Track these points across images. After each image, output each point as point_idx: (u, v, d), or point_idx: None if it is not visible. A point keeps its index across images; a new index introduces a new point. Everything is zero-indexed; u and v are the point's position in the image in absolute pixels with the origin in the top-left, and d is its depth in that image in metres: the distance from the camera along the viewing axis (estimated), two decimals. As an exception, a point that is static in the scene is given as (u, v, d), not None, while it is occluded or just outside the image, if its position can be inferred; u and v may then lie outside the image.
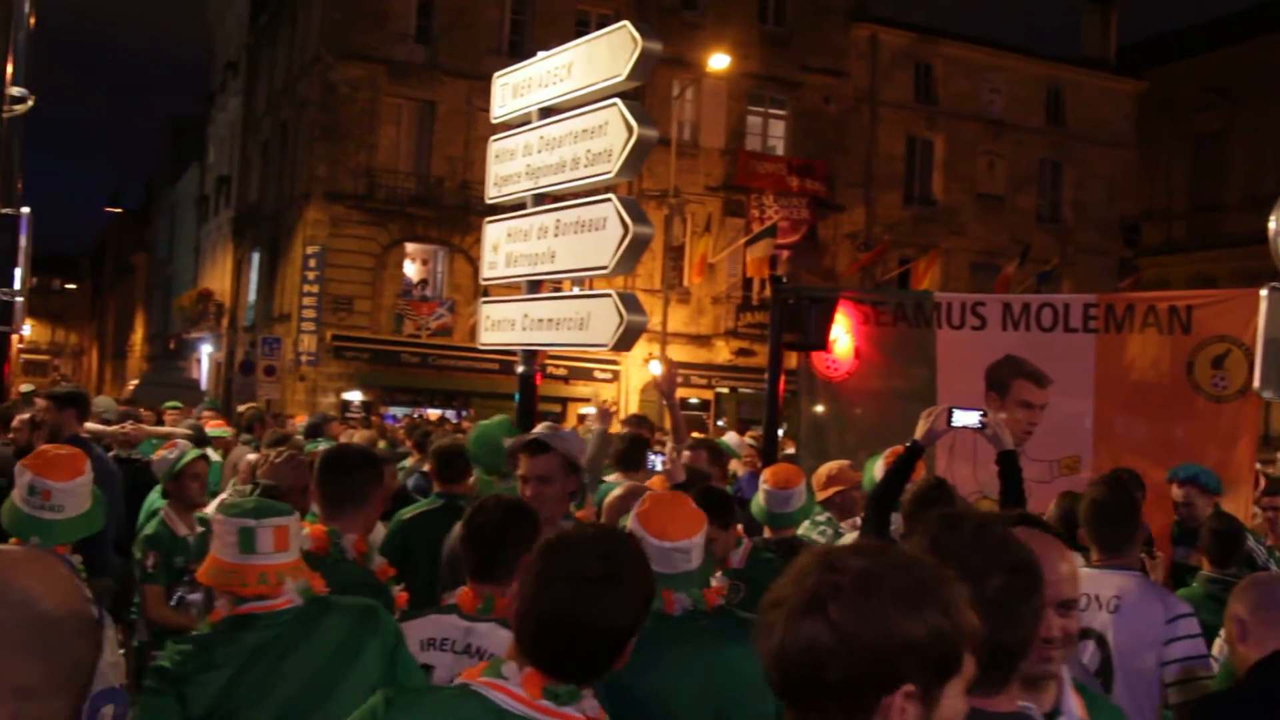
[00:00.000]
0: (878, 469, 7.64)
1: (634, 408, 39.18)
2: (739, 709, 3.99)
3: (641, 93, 8.59)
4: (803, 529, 7.51)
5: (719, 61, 37.78)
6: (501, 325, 9.80)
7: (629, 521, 4.29)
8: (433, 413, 34.81)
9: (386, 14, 38.93)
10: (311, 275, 37.98)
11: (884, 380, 10.50)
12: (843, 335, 10.29)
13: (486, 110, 10.45)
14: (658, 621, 4.16)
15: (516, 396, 9.72)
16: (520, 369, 9.49)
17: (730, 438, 14.43)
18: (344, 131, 38.48)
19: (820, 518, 7.81)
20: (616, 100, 8.48)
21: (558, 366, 37.20)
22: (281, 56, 46.55)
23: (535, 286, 9.51)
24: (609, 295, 8.38)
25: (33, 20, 12.20)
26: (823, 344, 10.02)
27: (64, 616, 1.81)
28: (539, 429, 6.01)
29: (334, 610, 3.97)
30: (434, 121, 39.34)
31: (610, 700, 4.13)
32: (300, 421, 18.46)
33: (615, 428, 11.57)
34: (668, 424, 10.17)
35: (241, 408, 20.17)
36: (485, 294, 11.42)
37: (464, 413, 35.10)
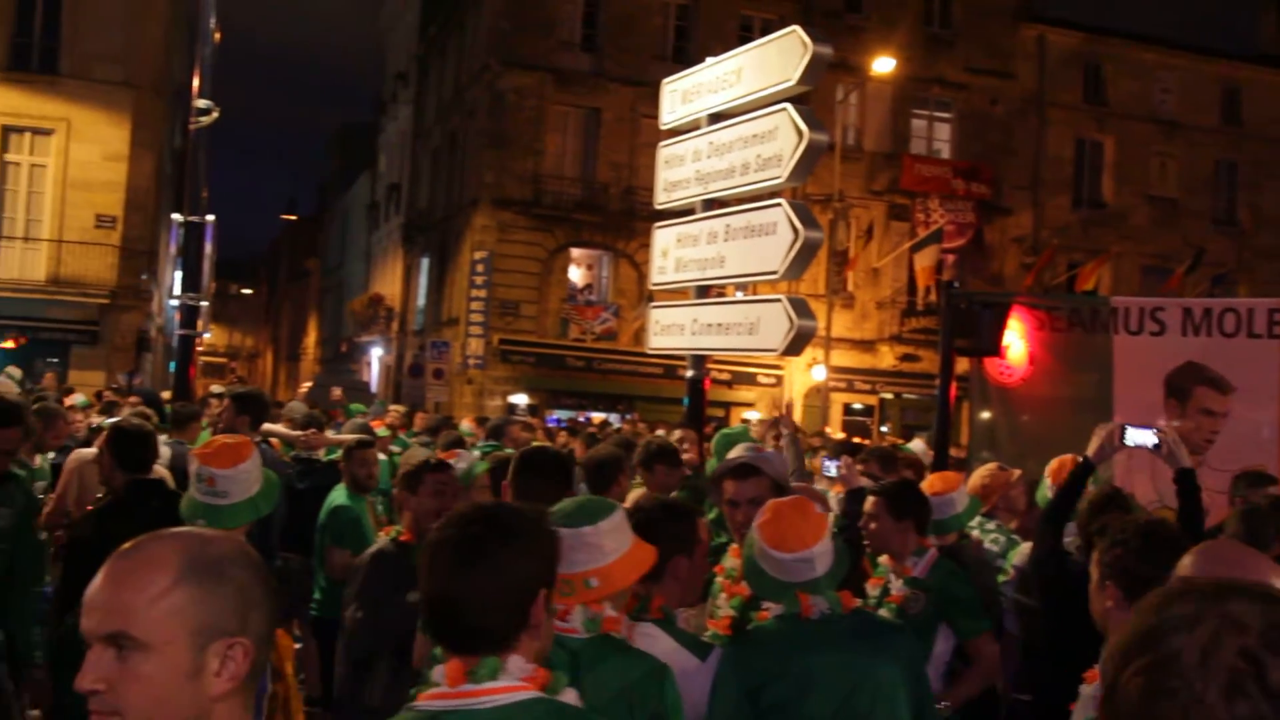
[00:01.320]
0: (1047, 483, 7.56)
1: (797, 413, 39.06)
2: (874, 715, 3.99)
3: (806, 97, 8.55)
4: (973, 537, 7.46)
5: (883, 65, 37.49)
6: (670, 330, 9.86)
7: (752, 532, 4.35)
8: (597, 416, 35.04)
9: (553, 23, 39.36)
10: (479, 280, 38.51)
11: (1057, 387, 10.31)
12: (1016, 341, 10.12)
13: (651, 116, 10.53)
14: (796, 624, 4.25)
15: (685, 401, 9.77)
16: (689, 374, 9.54)
17: (916, 445, 14.25)
18: (511, 139, 38.97)
19: (990, 525, 7.73)
20: (786, 105, 8.49)
21: (721, 371, 37.21)
22: (450, 66, 47.32)
23: (704, 291, 9.55)
24: (779, 300, 8.39)
25: (217, 36, 12.62)
26: (995, 349, 9.87)
27: (273, 580, 2.21)
28: (739, 450, 5.93)
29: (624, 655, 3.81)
30: (599, 128, 39.65)
31: (750, 701, 4.17)
32: (468, 424, 18.74)
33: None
34: (828, 431, 10.12)
35: (419, 416, 20.54)
36: (650, 299, 11.47)
37: (627, 416, 35.28)
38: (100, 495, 7.40)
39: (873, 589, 6.10)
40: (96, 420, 13.64)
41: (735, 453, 5.79)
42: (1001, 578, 7.09)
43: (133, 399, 14.60)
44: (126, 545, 2.13)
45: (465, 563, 2.80)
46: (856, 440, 25.32)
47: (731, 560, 5.58)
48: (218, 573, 2.08)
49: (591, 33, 40.02)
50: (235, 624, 2.07)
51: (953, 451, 12.61)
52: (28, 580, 6.57)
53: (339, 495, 9.05)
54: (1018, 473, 8.22)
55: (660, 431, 14.97)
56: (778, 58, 8.73)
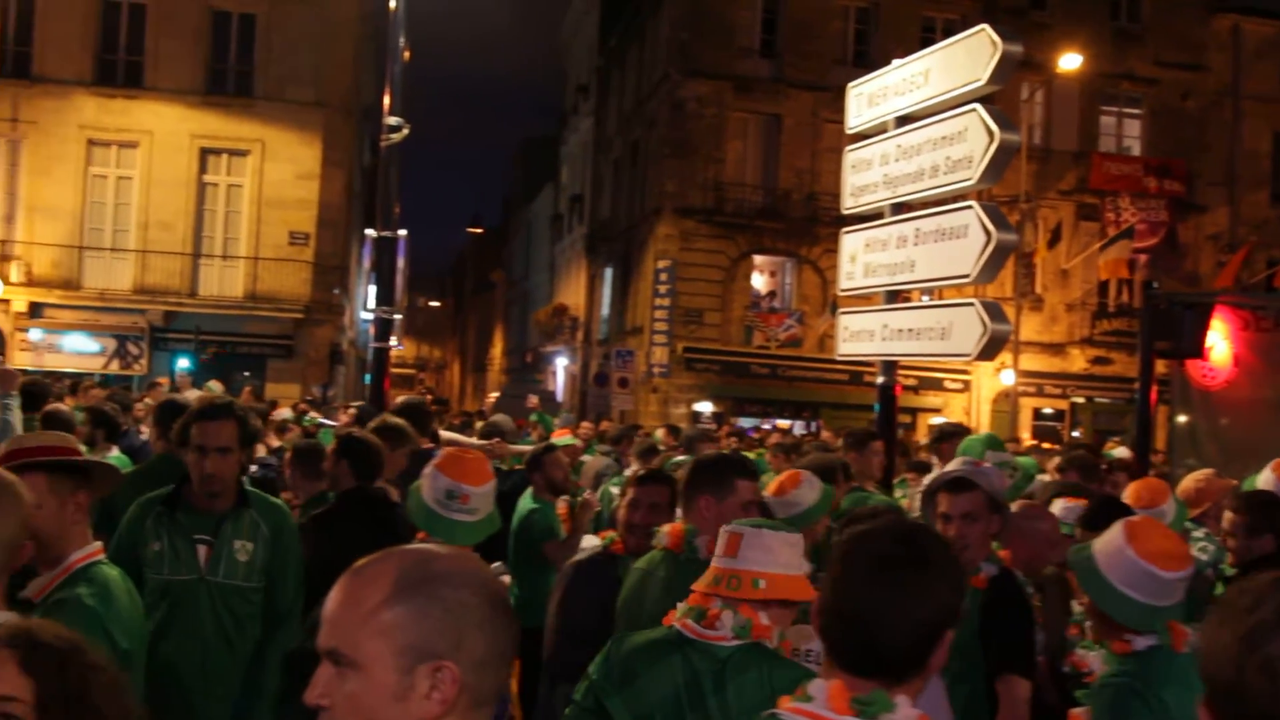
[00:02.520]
0: (1263, 482, 7.24)
1: (984, 419, 38.44)
2: None
3: (991, 97, 8.41)
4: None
5: (1070, 61, 36.68)
6: (860, 336, 9.76)
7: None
8: (782, 423, 34.91)
9: (732, 31, 39.38)
10: (663, 289, 38.67)
11: (1262, 389, 9.98)
12: (1220, 342, 9.79)
13: (833, 121, 10.48)
14: (1168, 660, 3.89)
15: (876, 407, 9.67)
16: (880, 380, 9.44)
17: (1122, 452, 13.88)
18: (692, 147, 39.07)
19: (1198, 534, 7.44)
20: (976, 105, 8.36)
21: (907, 376, 36.75)
22: (630, 77, 47.62)
23: (894, 296, 9.44)
24: (971, 304, 8.26)
25: (407, 55, 12.86)
26: (1198, 351, 9.55)
27: (502, 601, 2.14)
28: (955, 463, 5.78)
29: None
30: (780, 134, 39.53)
31: None
32: (661, 433, 18.79)
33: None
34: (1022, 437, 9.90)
35: (604, 424, 20.71)
36: (834, 305, 11.37)
37: (813, 424, 35.08)
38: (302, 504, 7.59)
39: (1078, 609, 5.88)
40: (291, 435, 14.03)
41: (950, 465, 5.64)
42: (1220, 588, 6.78)
43: (350, 409, 14.95)
44: (360, 561, 2.15)
45: (885, 581, 2.63)
46: (1046, 445, 24.84)
47: None
48: (429, 592, 2.05)
49: (771, 39, 39.94)
50: (444, 646, 2.03)
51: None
52: (283, 620, 5.73)
53: (527, 501, 9.17)
54: (1234, 482, 7.88)
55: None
56: (966, 58, 8.60)
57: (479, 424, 16.57)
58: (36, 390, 9.81)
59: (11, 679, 2.37)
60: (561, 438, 14.04)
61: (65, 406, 9.19)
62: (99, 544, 4.43)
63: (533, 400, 29.03)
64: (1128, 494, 6.98)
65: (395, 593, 2.04)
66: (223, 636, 5.56)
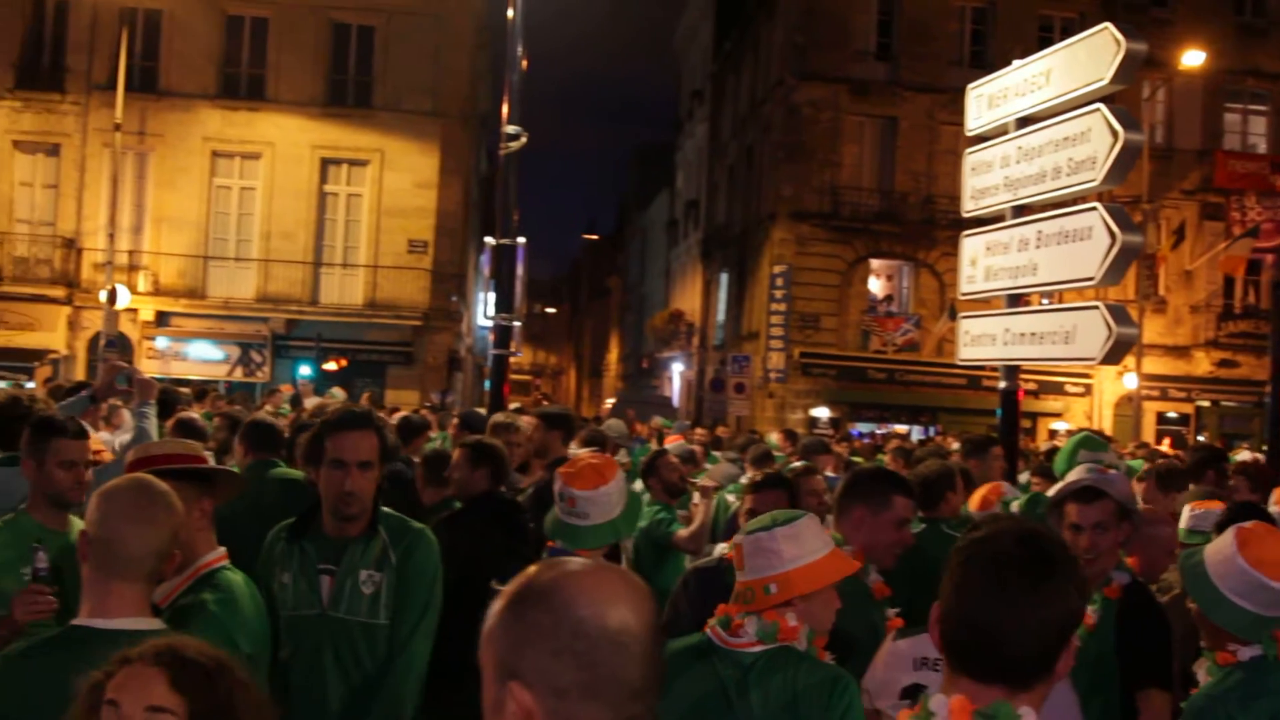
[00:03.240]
0: None
1: (1107, 423, 37.80)
2: None
3: (1113, 96, 8.28)
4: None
5: (1193, 58, 35.95)
6: (981, 340, 9.64)
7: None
8: (899, 428, 34.64)
9: (847, 34, 39.16)
10: (779, 294, 38.56)
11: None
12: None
13: (949, 124, 10.38)
14: (1269, 671, 3.81)
15: (997, 412, 9.54)
16: (1002, 385, 9.32)
17: (1244, 456, 13.56)
18: (808, 152, 38.92)
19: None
20: (1099, 105, 8.24)
21: (1027, 380, 36.15)
22: (745, 82, 47.58)
23: (1015, 300, 9.32)
24: (1096, 307, 8.13)
25: (525, 63, 12.95)
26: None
27: (600, 632, 1.95)
28: (1080, 472, 5.65)
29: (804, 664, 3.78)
30: (896, 137, 39.24)
31: None
32: (776, 437, 18.73)
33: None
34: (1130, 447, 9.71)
35: (719, 429, 20.68)
36: (952, 308, 11.25)
37: (931, 429, 34.76)
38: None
39: None
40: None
41: (1075, 474, 5.51)
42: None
43: (454, 419, 15.07)
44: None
45: (1009, 585, 2.56)
46: (1167, 449, 24.36)
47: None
48: (520, 609, 1.98)
49: (886, 41, 39.66)
50: (522, 666, 1.95)
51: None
52: (402, 648, 4.98)
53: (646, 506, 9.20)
54: None
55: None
56: (1088, 57, 8.46)
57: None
58: (166, 398, 10.01)
59: (163, 695, 2.43)
60: (674, 444, 14.05)
61: (195, 414, 9.36)
62: (223, 549, 4.51)
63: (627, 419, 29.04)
64: (1276, 497, 6.84)
65: (506, 604, 2.01)
66: (344, 680, 4.88)
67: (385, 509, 5.05)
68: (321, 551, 4.93)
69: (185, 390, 15.18)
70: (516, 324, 12.31)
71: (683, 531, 8.90)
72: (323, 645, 4.84)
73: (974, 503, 6.38)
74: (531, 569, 2.06)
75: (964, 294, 10.05)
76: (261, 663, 4.40)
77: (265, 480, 7.46)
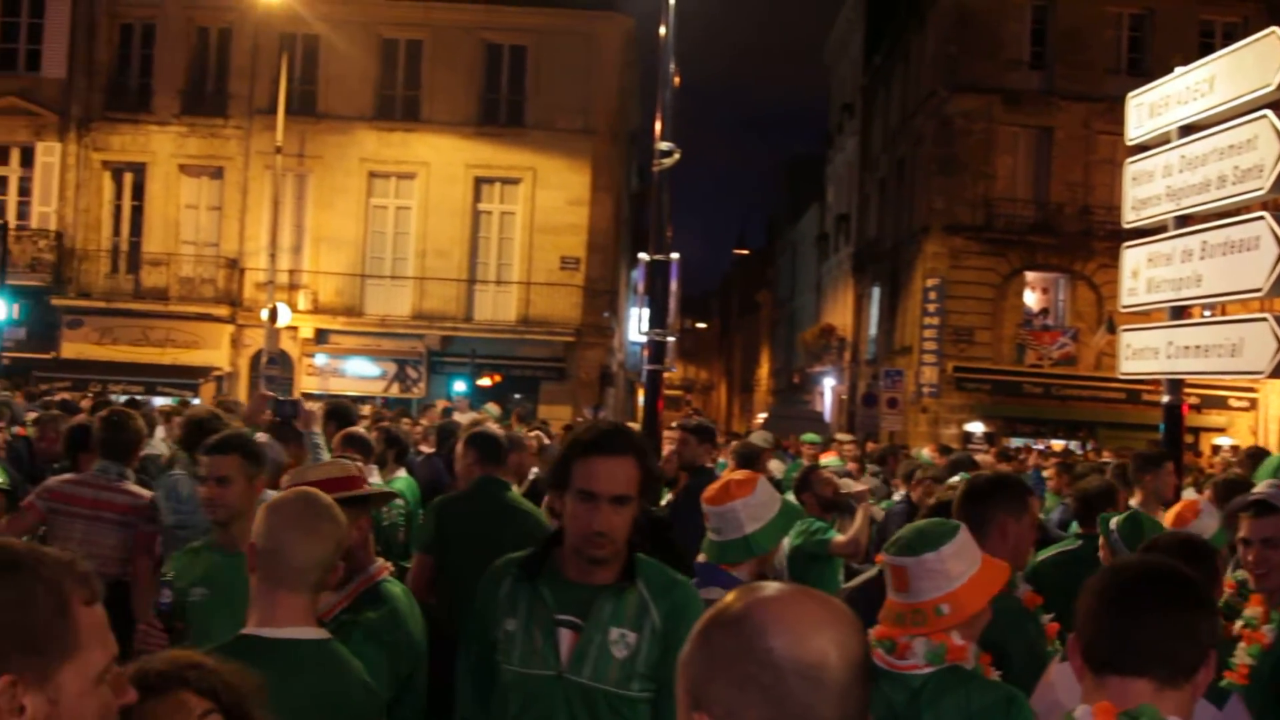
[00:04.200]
0: None
1: (1273, 438, 36.72)
2: None
3: (1278, 102, 8.05)
4: None
5: (1365, 62, 34.82)
6: (1143, 354, 9.44)
7: None
8: (1056, 443, 34.05)
9: (1000, 44, 38.63)
10: (932, 308, 38.16)
11: None
12: None
13: (1107, 133, 10.19)
14: None
15: (1160, 427, 9.34)
16: (1165, 399, 9.12)
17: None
18: (961, 164, 38.46)
19: None
20: (1267, 112, 8.03)
21: (1189, 394, 35.26)
22: (896, 95, 47.22)
23: (1179, 313, 9.12)
24: (1265, 319, 7.92)
25: (677, 80, 12.99)
26: None
27: (789, 663, 1.82)
28: (1262, 488, 5.53)
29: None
30: (1051, 147, 38.57)
31: None
32: (929, 451, 18.55)
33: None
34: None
35: (869, 444, 20.53)
36: (1111, 321, 11.02)
37: (1088, 445, 34.09)
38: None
39: None
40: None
41: (1259, 488, 5.39)
42: None
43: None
44: None
45: (1142, 605, 2.70)
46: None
47: (1251, 609, 5.21)
48: (705, 636, 1.90)
49: (1040, 50, 39.03)
50: (702, 694, 1.86)
51: None
52: None
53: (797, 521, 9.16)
54: None
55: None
56: (1254, 62, 8.25)
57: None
58: (343, 412, 10.30)
59: (200, 702, 2.47)
60: (827, 459, 13.98)
61: (361, 430, 9.58)
62: (382, 562, 4.60)
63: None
64: None
65: (700, 629, 1.92)
66: None
67: (643, 555, 4.13)
68: (561, 599, 4.00)
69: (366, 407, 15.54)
70: (670, 339, 12.32)
71: (840, 537, 8.86)
72: (556, 712, 3.95)
73: (1169, 519, 6.26)
74: (730, 594, 1.96)
75: (1125, 306, 9.84)
76: (418, 679, 4.47)
77: (496, 501, 7.49)
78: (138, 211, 37.92)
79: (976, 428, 36.90)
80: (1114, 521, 6.73)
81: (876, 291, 48.28)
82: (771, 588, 1.94)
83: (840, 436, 20.97)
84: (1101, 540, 6.68)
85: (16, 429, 11.79)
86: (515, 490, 7.92)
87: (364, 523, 4.48)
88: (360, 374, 37.18)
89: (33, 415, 13.18)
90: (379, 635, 4.22)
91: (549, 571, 4.04)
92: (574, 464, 3.95)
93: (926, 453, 18.47)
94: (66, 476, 7.70)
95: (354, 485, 4.57)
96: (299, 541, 3.59)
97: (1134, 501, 8.14)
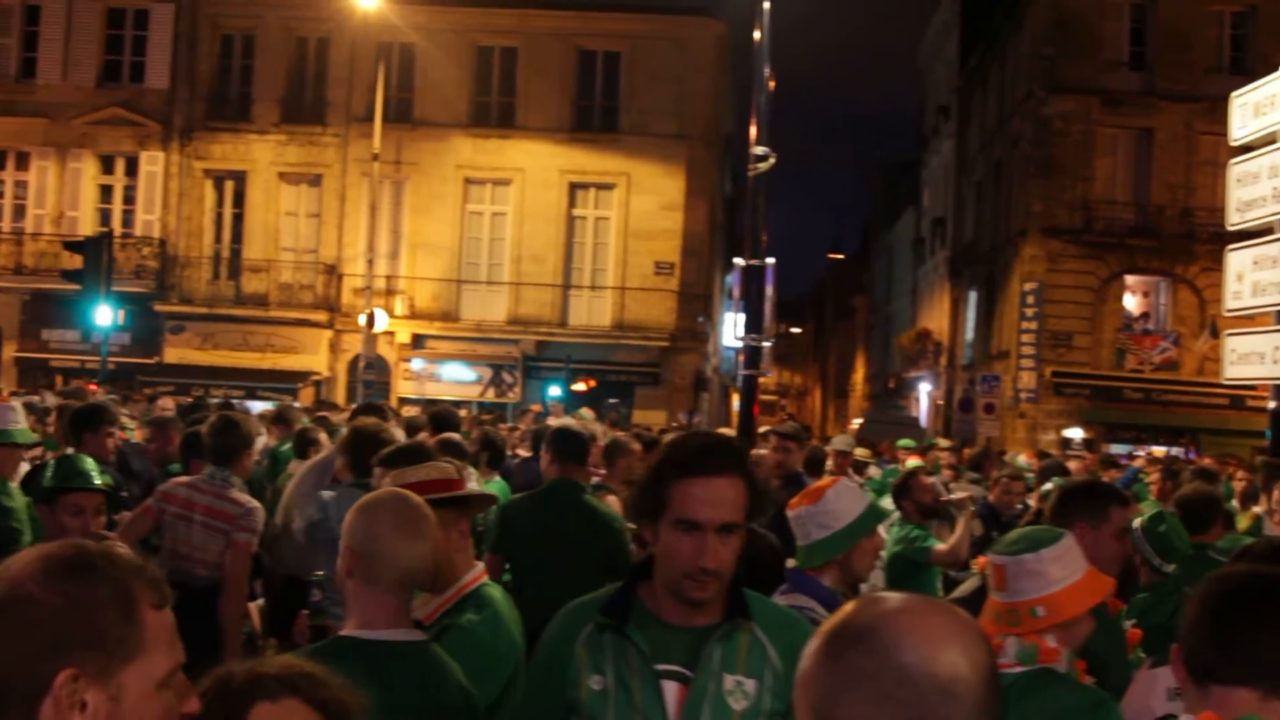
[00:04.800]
0: None
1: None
2: None
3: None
4: None
5: None
6: (1249, 358, 9.28)
7: None
8: (1157, 450, 33.54)
9: (1099, 44, 38.13)
10: (1030, 312, 37.74)
11: None
12: None
13: (1210, 133, 10.03)
14: None
15: (1267, 434, 9.19)
16: (1271, 404, 8.97)
17: None
18: (1059, 166, 38.01)
19: None
20: (1376, 111, 7.86)
21: (1294, 400, 34.75)
22: (992, 96, 46.77)
23: (1287, 316, 8.97)
24: (1374, 322, 7.76)
25: (772, 84, 12.97)
26: None
27: (925, 677, 1.77)
28: None
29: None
30: (1151, 149, 38.00)
31: None
32: (1025, 458, 18.37)
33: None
34: None
35: (966, 451, 20.32)
36: (1214, 325, 10.84)
37: (1191, 452, 33.54)
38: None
39: None
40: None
41: None
42: None
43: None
44: None
45: (1240, 611, 2.69)
46: None
47: None
48: (834, 651, 1.83)
49: (1140, 50, 38.46)
50: (841, 715, 1.78)
51: None
52: None
53: (896, 529, 9.08)
54: None
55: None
56: (1363, 61, 8.10)
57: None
58: (447, 417, 10.40)
59: (310, 714, 2.49)
60: (911, 461, 13.91)
61: (458, 435, 9.67)
62: (482, 565, 4.62)
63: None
64: None
65: (822, 645, 1.85)
66: None
67: (749, 590, 3.54)
68: (660, 647, 3.37)
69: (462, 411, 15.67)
70: (766, 344, 12.31)
71: (941, 546, 8.80)
72: None
73: None
74: (849, 605, 1.90)
75: (1229, 310, 9.69)
76: (519, 678, 4.49)
77: (567, 502, 7.47)
78: (238, 219, 38.54)
79: (1075, 434, 36.41)
80: (1138, 521, 6.64)
81: (973, 295, 47.83)
82: (895, 599, 1.88)
83: (938, 442, 20.84)
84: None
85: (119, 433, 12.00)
86: (592, 494, 7.91)
87: (464, 526, 4.49)
88: (456, 379, 37.46)
89: (129, 418, 13.49)
90: (480, 638, 4.24)
91: (638, 614, 3.41)
92: (670, 487, 3.31)
93: (1023, 459, 18.28)
94: (179, 479, 7.84)
95: (453, 488, 4.59)
96: (397, 544, 3.61)
97: (1259, 509, 8.04)
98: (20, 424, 7.00)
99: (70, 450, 7.84)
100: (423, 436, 9.00)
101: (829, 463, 11.94)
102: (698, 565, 3.26)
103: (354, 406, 16.76)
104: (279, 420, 12.66)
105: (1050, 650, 3.71)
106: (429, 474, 4.64)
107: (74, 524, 5.66)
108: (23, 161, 38.57)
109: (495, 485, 9.69)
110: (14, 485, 7.06)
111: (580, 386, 35.83)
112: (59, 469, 5.99)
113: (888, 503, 9.20)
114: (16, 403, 7.20)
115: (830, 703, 1.79)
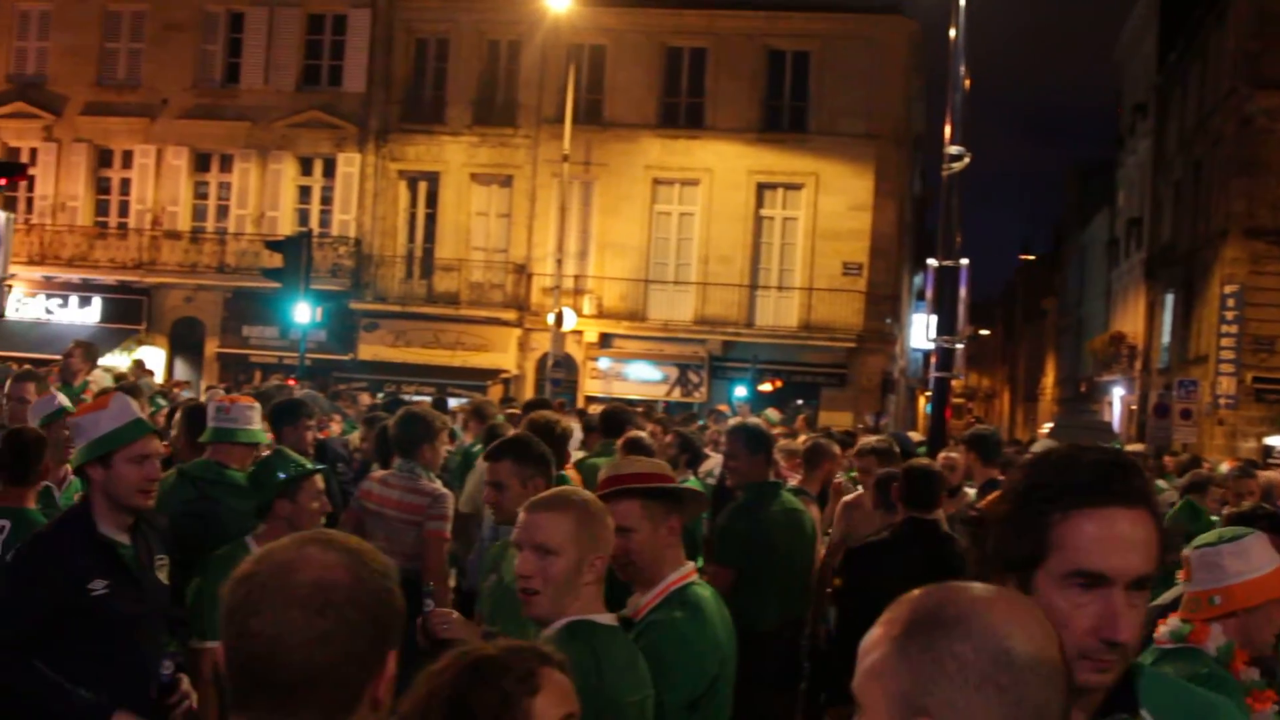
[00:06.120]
0: None
1: None
2: None
3: None
4: None
5: None
6: None
7: None
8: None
9: (1308, 38, 36.89)
10: (1230, 315, 36.62)
11: None
12: None
13: None
14: None
15: None
16: None
17: None
18: (1262, 164, 36.80)
19: None
20: None
21: None
22: (1192, 93, 45.50)
23: None
24: None
25: (967, 83, 12.82)
26: None
27: (1027, 662, 1.80)
28: None
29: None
30: (1362, 146, 36.65)
31: None
32: (1229, 466, 17.84)
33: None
34: None
35: (1166, 459, 19.81)
36: None
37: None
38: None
39: None
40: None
41: None
42: None
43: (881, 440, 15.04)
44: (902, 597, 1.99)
45: None
46: None
47: None
48: (926, 640, 1.83)
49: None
50: (932, 702, 1.80)
51: None
52: None
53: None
54: None
55: None
56: None
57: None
58: (619, 417, 10.40)
59: (572, 700, 2.57)
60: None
61: (644, 434, 9.68)
62: (691, 565, 4.66)
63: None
64: None
65: (901, 634, 1.86)
66: None
67: (1144, 664, 2.75)
68: None
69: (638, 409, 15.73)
70: (959, 346, 12.17)
71: None
72: None
73: None
74: (917, 594, 1.92)
75: None
76: (724, 681, 4.52)
77: (769, 507, 7.52)
78: (431, 219, 39.32)
79: (1277, 441, 35.28)
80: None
81: (1170, 298, 46.60)
82: (977, 587, 1.91)
83: (1132, 448, 20.35)
84: None
85: (321, 431, 12.27)
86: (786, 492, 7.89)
87: (674, 523, 4.52)
88: (642, 378, 37.70)
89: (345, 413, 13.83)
90: (683, 634, 4.29)
91: None
92: (1054, 523, 2.33)
93: (1225, 467, 17.78)
94: (373, 475, 8.05)
95: (665, 482, 4.65)
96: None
97: None
98: (255, 424, 7.21)
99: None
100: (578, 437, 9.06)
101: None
102: (1103, 637, 2.28)
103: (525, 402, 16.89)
104: (476, 416, 12.70)
105: (1201, 630, 3.95)
106: (643, 466, 4.71)
107: (319, 507, 5.90)
108: (226, 164, 39.89)
109: (691, 485, 9.72)
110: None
111: (766, 387, 35.81)
112: (283, 459, 6.14)
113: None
114: (254, 403, 7.40)
115: (921, 691, 1.81)
